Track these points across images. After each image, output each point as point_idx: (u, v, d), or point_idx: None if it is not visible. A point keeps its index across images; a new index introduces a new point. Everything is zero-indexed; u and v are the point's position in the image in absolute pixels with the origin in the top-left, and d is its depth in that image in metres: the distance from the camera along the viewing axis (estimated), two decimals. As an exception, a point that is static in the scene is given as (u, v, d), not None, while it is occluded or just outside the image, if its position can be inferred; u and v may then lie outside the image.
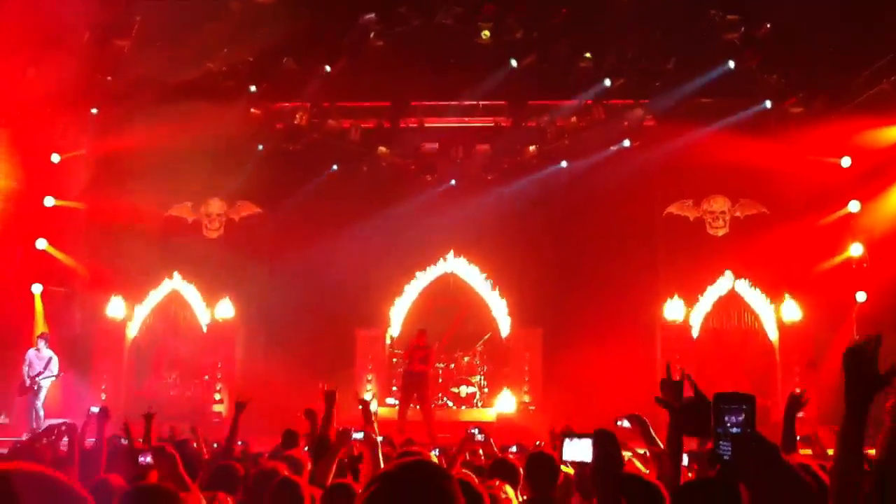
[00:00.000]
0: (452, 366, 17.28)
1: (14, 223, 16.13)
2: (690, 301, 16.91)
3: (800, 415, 5.68)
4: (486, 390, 17.28)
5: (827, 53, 15.78)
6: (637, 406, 4.88)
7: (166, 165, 17.25)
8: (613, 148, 17.54)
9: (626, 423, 5.24)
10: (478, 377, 17.33)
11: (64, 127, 17.08)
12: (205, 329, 17.54)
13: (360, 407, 6.30)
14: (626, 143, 17.46)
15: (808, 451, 7.50)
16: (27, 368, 14.83)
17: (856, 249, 16.31)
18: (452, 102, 17.68)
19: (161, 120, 15.57)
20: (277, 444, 8.27)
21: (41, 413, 14.54)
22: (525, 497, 4.83)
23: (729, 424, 2.00)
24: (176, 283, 17.72)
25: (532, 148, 17.64)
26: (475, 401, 17.17)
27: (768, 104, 16.72)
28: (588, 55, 16.42)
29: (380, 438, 5.45)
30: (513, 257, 17.42)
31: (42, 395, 14.80)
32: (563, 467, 5.21)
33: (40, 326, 16.37)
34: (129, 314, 17.37)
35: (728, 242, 17.51)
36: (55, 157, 17.32)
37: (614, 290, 16.39)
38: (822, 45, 15.71)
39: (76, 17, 15.34)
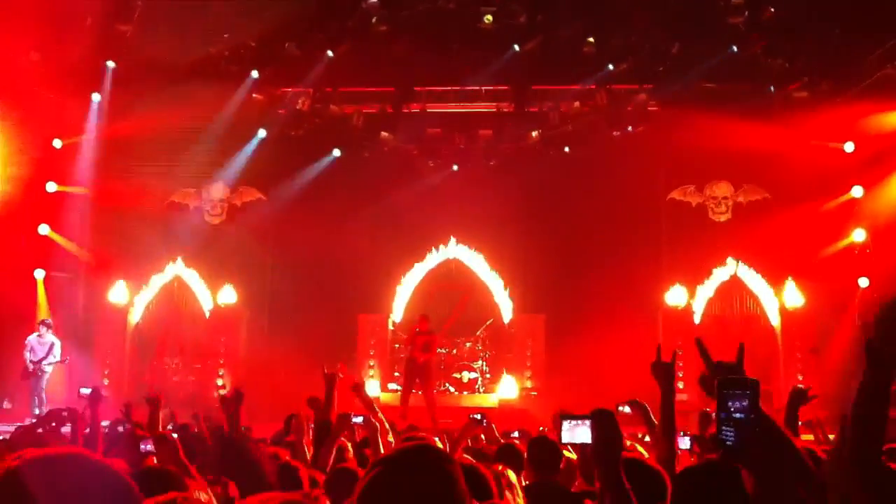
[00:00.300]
0: (455, 351, 17.29)
1: (17, 208, 16.14)
2: (693, 287, 16.90)
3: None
4: (488, 376, 17.29)
5: (831, 38, 15.72)
6: (639, 391, 4.89)
7: (168, 151, 17.28)
8: (616, 133, 17.49)
9: (626, 409, 5.25)
10: (480, 363, 17.34)
11: (66, 112, 17.05)
12: (207, 314, 17.57)
13: (354, 391, 6.31)
14: (630, 128, 17.41)
15: (811, 437, 7.52)
16: (29, 354, 14.87)
17: (859, 235, 16.28)
18: (455, 88, 17.66)
19: (163, 105, 15.55)
20: (279, 430, 8.28)
21: (44, 398, 14.58)
22: (528, 482, 4.84)
23: (732, 409, 1.99)
24: (178, 269, 17.74)
25: (535, 133, 17.60)
26: (477, 386, 17.18)
27: (772, 89, 16.66)
28: (591, 40, 16.35)
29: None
30: (515, 243, 17.41)
31: (45, 380, 14.84)
32: (565, 452, 5.23)
33: (43, 312, 16.41)
34: (131, 300, 17.41)
35: (731, 228, 17.48)
36: (57, 143, 17.33)
37: (616, 276, 16.36)
38: (826, 29, 15.65)
39: (79, 1, 15.33)
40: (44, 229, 17.03)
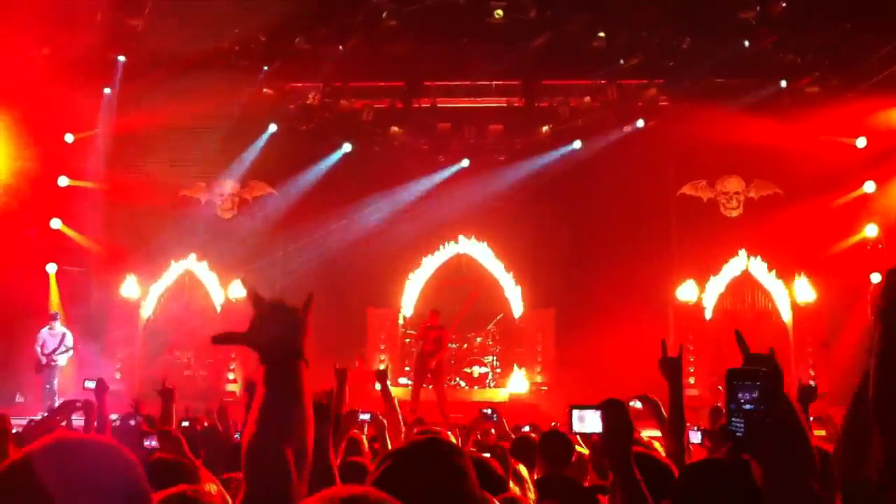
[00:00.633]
0: (465, 346, 17.30)
1: (28, 203, 16.19)
2: (703, 282, 16.87)
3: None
4: (498, 371, 17.31)
5: (842, 33, 15.64)
6: (649, 387, 4.87)
7: (179, 145, 17.31)
8: (627, 128, 17.46)
9: (637, 404, 5.24)
10: (490, 357, 17.35)
11: (77, 107, 17.09)
12: (218, 309, 17.59)
13: (378, 378, 6.34)
14: (640, 123, 17.38)
15: (822, 433, 7.51)
16: (39, 348, 14.93)
17: (871, 230, 16.22)
18: (465, 82, 17.63)
19: (173, 99, 15.57)
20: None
21: (55, 391, 14.63)
22: (539, 475, 4.84)
23: (743, 401, 1.99)
24: (190, 263, 17.77)
25: (545, 128, 17.60)
26: (487, 381, 17.20)
27: (783, 84, 16.59)
28: (602, 35, 16.30)
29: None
30: (525, 238, 17.39)
31: (57, 372, 14.90)
32: (577, 447, 5.23)
33: (55, 306, 16.47)
34: (143, 294, 17.46)
35: (742, 223, 17.44)
36: (69, 137, 17.38)
37: (627, 271, 16.34)
38: (837, 24, 15.57)
39: (89, -4, 15.36)
40: (56, 224, 17.09)
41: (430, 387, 14.91)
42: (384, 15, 16.33)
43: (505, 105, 17.87)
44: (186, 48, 15.71)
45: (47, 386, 14.73)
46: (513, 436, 6.56)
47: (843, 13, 15.34)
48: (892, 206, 15.98)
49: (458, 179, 17.73)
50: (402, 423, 5.90)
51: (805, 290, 16.25)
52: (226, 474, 4.28)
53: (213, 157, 17.84)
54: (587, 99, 17.44)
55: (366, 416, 5.67)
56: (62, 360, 14.99)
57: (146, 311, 17.55)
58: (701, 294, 16.79)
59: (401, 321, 17.64)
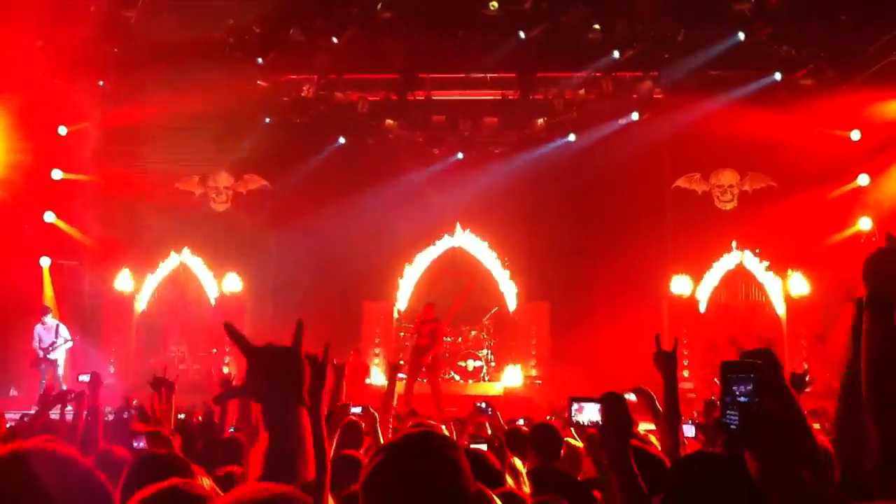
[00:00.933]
0: (460, 340, 17.30)
1: (22, 196, 16.15)
2: (698, 275, 16.88)
3: (807, 390, 5.67)
4: (492, 364, 17.31)
5: (838, 25, 15.64)
6: (644, 380, 4.88)
7: (173, 138, 17.28)
8: (622, 121, 17.45)
9: (632, 397, 5.23)
10: (485, 351, 17.35)
11: (71, 99, 17.04)
12: (213, 302, 17.58)
13: (395, 369, 6.41)
14: (635, 115, 17.37)
15: (817, 426, 7.51)
16: (37, 343, 14.90)
17: (865, 223, 16.23)
18: (460, 75, 17.61)
19: (168, 92, 15.55)
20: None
21: (61, 382, 14.54)
22: (529, 466, 4.85)
23: (737, 393, 1.99)
24: (184, 257, 17.75)
25: (540, 121, 17.58)
26: (482, 375, 17.21)
27: (778, 76, 16.59)
28: (597, 27, 16.28)
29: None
30: (520, 231, 17.40)
31: (61, 363, 14.84)
32: (572, 440, 5.23)
33: (49, 300, 16.43)
34: (137, 287, 17.43)
35: (736, 216, 17.45)
36: (62, 130, 17.31)
37: (622, 264, 16.36)
38: (832, 16, 15.57)
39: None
40: (49, 217, 17.04)
41: (425, 381, 14.87)
42: (379, 7, 16.29)
43: (500, 98, 17.84)
44: (180, 40, 15.68)
45: (42, 380, 14.67)
46: (507, 429, 6.56)
47: (839, 6, 15.35)
48: (886, 199, 15.98)
49: (453, 172, 17.71)
50: (391, 416, 5.90)
51: (799, 284, 16.27)
52: (220, 469, 4.27)
53: (207, 150, 17.80)
54: (582, 91, 17.43)
55: (357, 410, 5.66)
56: (61, 351, 14.95)
57: (140, 304, 17.54)
58: (695, 287, 16.80)
59: (396, 315, 17.63)
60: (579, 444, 5.26)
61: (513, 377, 16.78)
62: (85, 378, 6.32)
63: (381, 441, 4.99)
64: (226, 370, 16.82)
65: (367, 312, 17.39)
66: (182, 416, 8.03)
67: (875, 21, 15.29)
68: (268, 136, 17.87)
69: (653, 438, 5.08)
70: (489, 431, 6.64)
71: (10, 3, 14.22)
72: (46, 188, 16.97)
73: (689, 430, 6.47)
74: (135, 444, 4.80)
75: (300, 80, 17.58)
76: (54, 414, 6.75)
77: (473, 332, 17.45)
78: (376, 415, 5.37)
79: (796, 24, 15.91)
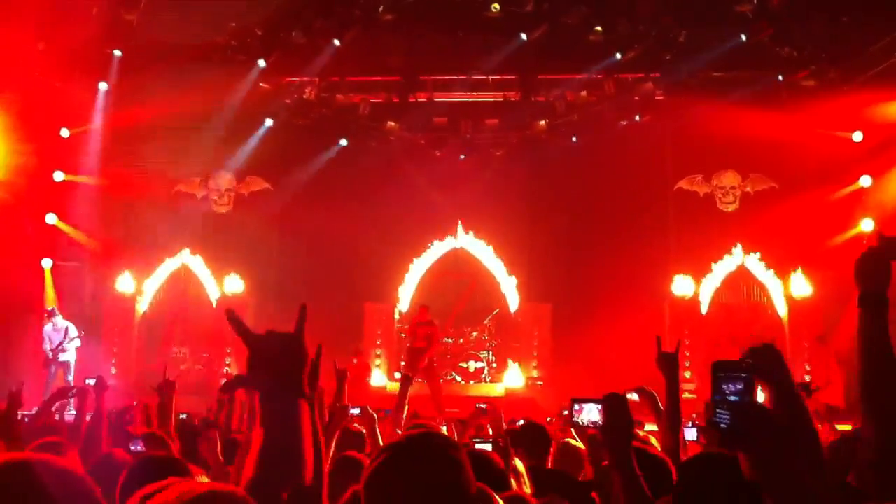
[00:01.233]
0: (461, 341, 17.30)
1: (24, 198, 16.15)
2: (700, 276, 16.86)
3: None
4: (494, 365, 17.31)
5: (839, 26, 15.63)
6: (645, 381, 4.87)
7: (175, 140, 17.28)
8: (623, 122, 17.45)
9: (634, 397, 5.23)
10: (486, 352, 17.36)
11: (73, 101, 17.05)
12: (214, 303, 17.57)
13: (406, 381, 6.39)
14: (637, 117, 17.37)
15: (818, 427, 7.49)
16: (47, 344, 14.90)
17: (867, 225, 16.20)
18: (462, 76, 17.61)
19: (169, 94, 15.54)
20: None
21: (70, 383, 14.52)
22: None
23: (728, 392, 2.01)
24: (185, 258, 17.75)
25: (542, 122, 17.58)
26: (483, 376, 17.21)
27: (780, 77, 16.58)
28: (598, 28, 16.27)
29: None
30: (522, 232, 17.40)
31: (72, 365, 14.85)
32: (573, 441, 5.23)
33: (50, 301, 16.43)
34: (138, 289, 17.43)
35: (738, 218, 17.44)
36: (64, 132, 17.33)
37: (623, 265, 16.35)
38: (834, 17, 15.56)
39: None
40: (51, 219, 17.05)
41: (425, 382, 14.83)
42: (380, 9, 16.29)
43: (501, 99, 17.86)
44: (182, 42, 15.68)
45: (51, 381, 14.66)
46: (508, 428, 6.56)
47: (840, 7, 15.33)
48: (888, 200, 15.97)
49: (455, 174, 17.70)
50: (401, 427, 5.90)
51: (801, 285, 16.25)
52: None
53: (208, 152, 17.81)
54: (584, 93, 17.43)
55: (356, 411, 5.67)
56: (72, 352, 14.95)
57: (142, 305, 17.53)
58: (697, 288, 16.79)
59: (397, 316, 17.63)
60: (580, 444, 5.27)
61: (514, 378, 16.79)
62: (91, 382, 6.33)
63: (380, 442, 4.99)
64: (226, 370, 16.83)
65: (369, 314, 17.40)
66: (183, 416, 8.02)
67: (876, 22, 15.27)
68: (270, 138, 17.89)
69: (653, 440, 5.08)
70: (489, 432, 6.64)
71: (12, 4, 14.22)
72: (48, 190, 16.98)
73: (690, 434, 6.47)
74: (132, 448, 4.79)
75: (302, 83, 17.60)
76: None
77: (475, 334, 17.46)
78: (375, 416, 5.38)
79: (798, 26, 15.90)
